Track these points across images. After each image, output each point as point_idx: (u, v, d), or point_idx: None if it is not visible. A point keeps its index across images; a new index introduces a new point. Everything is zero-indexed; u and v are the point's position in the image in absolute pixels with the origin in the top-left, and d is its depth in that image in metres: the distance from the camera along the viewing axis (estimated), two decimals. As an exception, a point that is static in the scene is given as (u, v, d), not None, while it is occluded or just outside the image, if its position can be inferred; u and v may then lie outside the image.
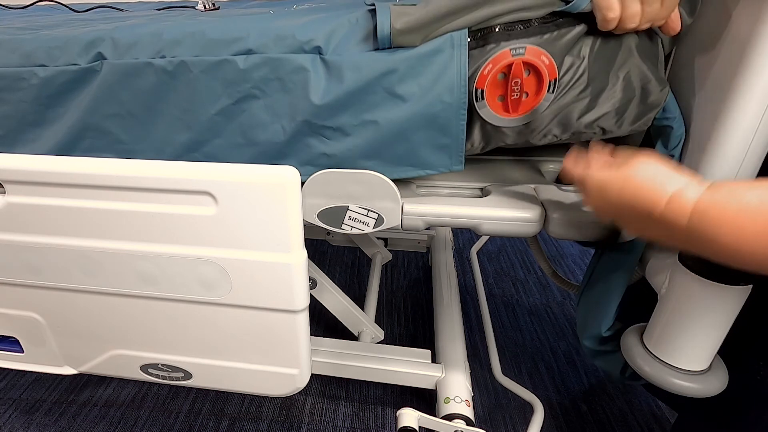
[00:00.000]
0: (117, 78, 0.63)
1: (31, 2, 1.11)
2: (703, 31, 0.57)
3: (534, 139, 0.63)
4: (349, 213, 0.65)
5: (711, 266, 0.56)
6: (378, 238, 1.49)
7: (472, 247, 1.53)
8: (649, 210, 0.45)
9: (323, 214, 0.66)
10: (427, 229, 0.90)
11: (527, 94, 0.58)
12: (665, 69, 0.63)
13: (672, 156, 0.59)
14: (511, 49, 0.55)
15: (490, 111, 0.59)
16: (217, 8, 0.92)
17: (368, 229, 0.66)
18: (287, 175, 0.60)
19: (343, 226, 0.66)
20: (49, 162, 0.64)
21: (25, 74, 0.66)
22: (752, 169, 0.54)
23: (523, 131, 0.61)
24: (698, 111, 0.57)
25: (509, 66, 0.56)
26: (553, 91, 0.57)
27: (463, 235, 1.78)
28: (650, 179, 0.46)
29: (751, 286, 0.55)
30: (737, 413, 0.62)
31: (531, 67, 0.56)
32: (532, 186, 0.69)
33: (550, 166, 0.76)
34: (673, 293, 0.60)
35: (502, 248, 1.69)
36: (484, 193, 0.70)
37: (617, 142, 0.77)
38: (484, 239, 1.59)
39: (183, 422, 1.06)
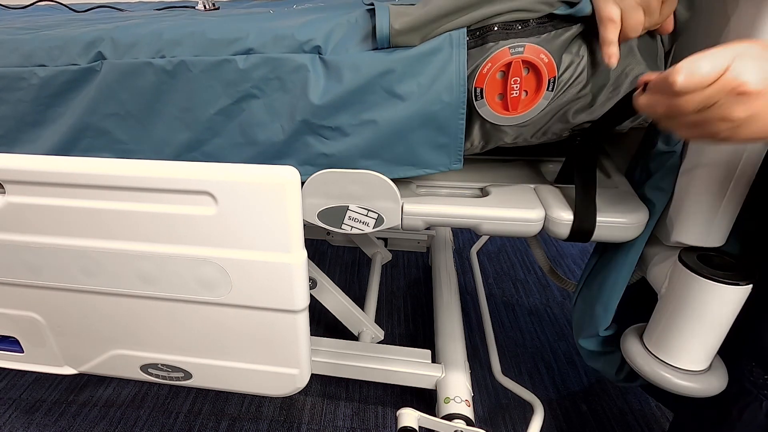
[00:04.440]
0: (116, 78, 0.63)
1: (31, 2, 1.11)
2: (703, 28, 0.56)
3: (533, 138, 0.62)
4: (349, 213, 0.65)
5: (711, 266, 0.56)
6: (378, 238, 1.49)
7: (472, 247, 1.53)
8: None
9: (323, 214, 0.66)
10: (427, 229, 0.90)
11: (527, 93, 0.58)
12: (665, 66, 0.63)
13: (674, 152, 0.58)
14: (510, 48, 0.55)
15: (489, 110, 0.59)
16: (217, 8, 0.91)
17: (368, 229, 0.66)
18: (287, 175, 0.60)
19: (343, 226, 0.66)
20: (49, 162, 0.64)
21: (25, 74, 0.66)
22: (755, 164, 0.53)
23: (523, 130, 0.61)
24: None
25: (508, 64, 0.56)
26: (552, 89, 0.57)
27: (463, 235, 1.78)
28: None
29: (751, 285, 0.55)
30: (729, 414, 0.63)
31: (530, 66, 0.56)
32: (532, 186, 0.69)
33: (550, 166, 0.76)
34: (673, 293, 0.60)
35: (502, 248, 1.69)
36: (484, 193, 0.70)
37: (614, 140, 0.77)
38: (484, 239, 1.59)
39: (183, 422, 1.06)
